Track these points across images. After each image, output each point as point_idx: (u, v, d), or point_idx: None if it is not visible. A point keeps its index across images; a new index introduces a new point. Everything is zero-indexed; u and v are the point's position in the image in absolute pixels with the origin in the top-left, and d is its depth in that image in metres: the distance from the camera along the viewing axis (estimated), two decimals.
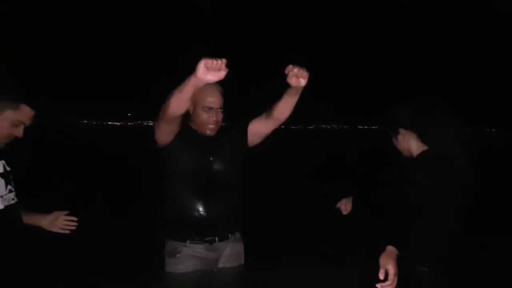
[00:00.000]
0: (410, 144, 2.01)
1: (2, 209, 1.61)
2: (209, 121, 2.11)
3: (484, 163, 1.97)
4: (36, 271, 1.79)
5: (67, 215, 1.95)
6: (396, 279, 1.65)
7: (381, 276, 1.65)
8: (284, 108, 2.12)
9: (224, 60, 1.68)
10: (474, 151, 1.90)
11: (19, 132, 1.66)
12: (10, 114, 1.61)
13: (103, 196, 7.66)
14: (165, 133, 2.04)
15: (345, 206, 2.37)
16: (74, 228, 1.95)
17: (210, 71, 1.67)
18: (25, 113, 1.65)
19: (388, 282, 1.63)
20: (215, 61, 1.66)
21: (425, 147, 1.96)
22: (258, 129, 2.23)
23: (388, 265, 1.65)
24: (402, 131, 2.02)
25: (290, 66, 1.88)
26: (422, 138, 1.96)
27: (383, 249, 1.74)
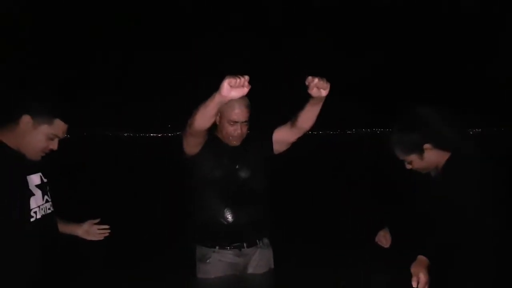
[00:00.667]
0: (436, 156, 1.85)
1: (39, 218, 1.68)
2: (233, 134, 2.15)
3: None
4: (69, 276, 1.85)
5: (98, 223, 2.04)
6: (427, 287, 1.65)
7: (414, 284, 1.65)
8: (307, 118, 2.12)
9: (247, 77, 1.71)
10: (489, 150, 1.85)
11: (54, 145, 1.72)
12: (45, 129, 1.66)
13: (135, 204, 7.81)
14: (192, 145, 2.10)
15: (384, 239, 2.18)
16: (107, 234, 2.04)
17: (233, 88, 1.72)
18: (59, 127, 1.69)
19: None
20: (238, 79, 1.69)
21: (447, 154, 1.84)
22: (283, 137, 2.25)
23: (420, 273, 1.65)
24: (427, 146, 1.83)
25: (310, 78, 1.86)
26: (442, 145, 1.83)
27: (413, 258, 1.72)
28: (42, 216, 1.70)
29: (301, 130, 2.19)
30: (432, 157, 1.85)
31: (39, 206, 1.69)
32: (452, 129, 1.82)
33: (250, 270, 2.23)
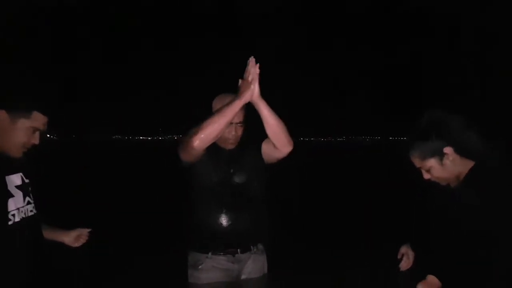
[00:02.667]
0: (458, 164, 1.69)
1: (18, 221, 1.60)
2: (228, 136, 2.10)
3: None
4: (54, 283, 1.79)
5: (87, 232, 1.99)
6: None
7: None
8: (269, 132, 2.05)
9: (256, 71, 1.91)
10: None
11: (36, 139, 1.65)
12: (23, 123, 1.59)
13: (127, 208, 7.75)
14: (194, 157, 2.04)
15: (406, 257, 2.04)
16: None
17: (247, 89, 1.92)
18: (39, 119, 1.63)
19: None
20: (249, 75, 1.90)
21: (471, 163, 1.70)
22: (268, 151, 2.18)
23: None
24: (448, 150, 1.67)
25: (252, 60, 1.93)
26: (464, 152, 1.68)
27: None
28: (22, 218, 1.62)
29: (279, 151, 2.11)
30: (453, 164, 1.69)
31: (18, 209, 1.61)
32: (475, 136, 1.67)
33: (243, 276, 2.19)
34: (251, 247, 2.19)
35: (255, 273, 2.21)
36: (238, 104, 1.94)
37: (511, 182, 1.60)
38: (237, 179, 2.14)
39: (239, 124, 2.13)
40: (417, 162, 1.73)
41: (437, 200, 1.84)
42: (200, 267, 2.11)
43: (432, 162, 1.69)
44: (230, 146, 2.17)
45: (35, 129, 1.63)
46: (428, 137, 1.69)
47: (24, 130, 1.60)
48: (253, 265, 2.20)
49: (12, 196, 1.59)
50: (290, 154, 2.11)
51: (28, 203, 1.67)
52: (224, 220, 2.09)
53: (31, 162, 1.75)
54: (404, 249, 2.06)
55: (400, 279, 2.07)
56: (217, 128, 1.94)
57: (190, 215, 2.16)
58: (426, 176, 1.74)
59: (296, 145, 2.12)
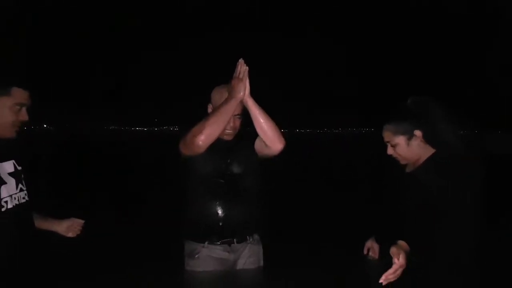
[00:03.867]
0: (421, 148, 1.85)
1: (10, 208, 1.60)
2: (226, 127, 2.11)
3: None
4: (44, 273, 1.78)
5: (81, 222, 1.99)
6: (400, 270, 1.59)
7: (395, 261, 1.59)
8: (258, 130, 2.08)
9: (244, 68, 2.00)
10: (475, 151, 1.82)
11: (24, 115, 1.64)
12: (6, 101, 1.58)
13: (121, 197, 7.76)
14: (197, 153, 2.06)
15: (372, 250, 2.17)
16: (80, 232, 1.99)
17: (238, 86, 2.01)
18: (20, 95, 1.61)
19: (390, 271, 1.57)
20: (239, 73, 2.00)
21: (432, 150, 1.85)
22: (260, 148, 2.20)
23: (400, 255, 1.59)
24: (418, 133, 1.83)
25: (242, 61, 2.02)
26: (431, 139, 1.83)
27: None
28: (15, 205, 1.62)
29: (269, 148, 2.12)
30: (417, 147, 1.85)
31: (11, 195, 1.61)
32: (447, 127, 1.81)
33: (239, 266, 2.21)
34: (247, 237, 2.20)
35: (251, 264, 2.22)
36: (234, 102, 2.02)
37: (465, 174, 1.73)
38: (234, 169, 2.16)
39: (237, 116, 2.15)
40: (387, 135, 1.88)
41: (394, 183, 1.98)
42: (196, 256, 2.13)
43: (400, 140, 1.84)
44: (228, 137, 2.18)
45: (20, 105, 1.61)
46: (405, 117, 1.84)
47: (8, 109, 1.59)
48: (249, 255, 2.22)
49: (5, 183, 1.59)
50: (282, 152, 2.12)
51: (21, 190, 1.67)
52: (220, 210, 2.10)
53: (24, 149, 1.74)
54: (369, 243, 2.19)
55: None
56: (220, 126, 2.01)
57: (186, 204, 2.18)
58: (390, 151, 1.89)
59: (292, 137, 2.11)
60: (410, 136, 1.83)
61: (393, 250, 1.63)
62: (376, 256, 2.16)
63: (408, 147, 1.85)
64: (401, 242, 1.67)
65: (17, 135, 1.65)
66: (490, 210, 1.80)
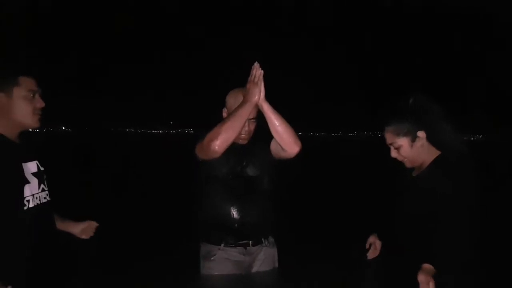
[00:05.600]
0: (425, 150, 1.81)
1: (32, 207, 1.63)
2: (241, 131, 2.10)
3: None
4: (63, 270, 1.81)
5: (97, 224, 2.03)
6: None
7: None
8: (273, 132, 2.07)
9: (259, 72, 1.99)
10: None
11: (39, 102, 1.68)
12: (18, 91, 1.62)
13: (141, 200, 7.80)
14: (210, 157, 2.05)
15: (373, 247, 2.16)
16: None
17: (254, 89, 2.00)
18: (28, 82, 1.65)
19: None
20: (253, 77, 1.99)
21: (437, 152, 1.80)
22: (276, 151, 2.19)
23: (430, 283, 1.60)
24: (421, 134, 1.78)
25: (257, 65, 2.01)
26: (435, 141, 1.79)
27: (415, 264, 1.67)
28: (36, 205, 1.65)
29: (284, 151, 2.11)
30: (421, 149, 1.80)
31: (33, 195, 1.65)
32: (450, 129, 1.77)
33: (254, 269, 2.20)
34: (263, 240, 2.20)
35: (266, 266, 2.22)
36: (249, 106, 2.01)
37: (469, 176, 1.70)
38: (249, 172, 2.17)
39: (252, 120, 2.15)
40: (389, 137, 1.83)
41: (402, 187, 1.93)
42: (212, 258, 2.14)
43: (403, 141, 1.79)
44: (243, 142, 2.19)
45: (32, 92, 1.65)
46: (407, 117, 1.78)
47: (23, 98, 1.63)
48: (264, 258, 2.21)
49: (28, 182, 1.63)
50: (298, 155, 2.11)
51: (43, 190, 1.71)
52: (236, 212, 2.11)
53: (46, 151, 1.78)
54: (372, 239, 2.16)
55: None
56: (235, 131, 2.00)
57: (202, 207, 2.19)
58: (394, 153, 1.84)
59: (305, 140, 2.13)
60: (414, 137, 1.79)
61: (421, 278, 1.61)
62: (377, 253, 2.14)
63: (412, 149, 1.79)
64: (427, 266, 1.64)
65: (40, 126, 1.69)
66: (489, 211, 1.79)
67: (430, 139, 1.79)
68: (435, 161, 1.80)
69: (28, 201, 1.61)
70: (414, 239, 1.78)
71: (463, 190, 1.67)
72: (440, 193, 1.70)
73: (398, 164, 1.88)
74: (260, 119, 2.16)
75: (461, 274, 1.70)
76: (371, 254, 2.16)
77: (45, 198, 1.71)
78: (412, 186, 1.87)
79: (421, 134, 1.78)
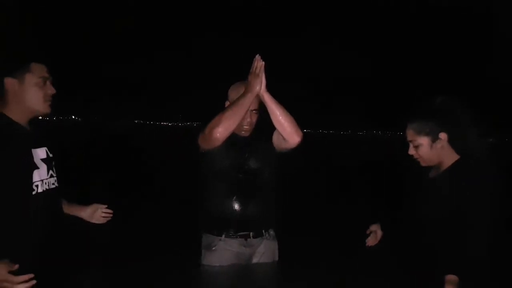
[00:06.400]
0: (445, 152, 1.78)
1: (41, 192, 1.66)
2: (243, 123, 2.15)
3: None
4: (70, 258, 1.85)
5: (105, 208, 2.04)
6: None
7: None
8: (275, 123, 2.11)
9: (261, 64, 2.03)
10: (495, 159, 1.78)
11: (50, 88, 1.70)
12: (30, 78, 1.64)
13: (142, 190, 7.84)
14: (214, 146, 2.11)
15: (375, 234, 2.17)
16: (109, 219, 2.04)
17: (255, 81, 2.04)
18: (39, 69, 1.67)
19: None
20: (255, 68, 2.04)
21: (456, 156, 1.78)
22: (278, 142, 2.22)
23: None
24: (443, 135, 1.76)
25: (258, 57, 2.06)
26: (457, 144, 1.76)
27: (438, 275, 1.65)
28: (45, 190, 1.68)
29: (286, 142, 2.14)
30: (441, 151, 1.77)
31: (42, 180, 1.68)
32: (475, 132, 1.74)
33: (255, 260, 2.24)
34: (263, 232, 2.23)
35: (266, 258, 2.25)
36: (251, 96, 2.06)
37: (489, 183, 1.67)
38: (252, 164, 2.19)
39: (253, 111, 2.18)
40: (410, 134, 1.80)
41: (417, 187, 1.92)
42: (213, 248, 2.17)
43: (424, 140, 1.77)
44: (245, 133, 2.21)
45: (43, 79, 1.68)
46: (432, 117, 1.76)
47: (35, 84, 1.65)
48: (265, 250, 2.25)
49: (37, 168, 1.66)
50: (300, 145, 2.14)
51: (51, 176, 1.74)
52: (237, 204, 2.14)
53: (55, 137, 1.81)
54: (374, 227, 2.18)
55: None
56: (237, 119, 2.05)
57: (204, 198, 2.22)
58: (411, 151, 1.82)
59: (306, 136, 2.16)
60: (435, 138, 1.76)
61: None
62: (376, 241, 2.17)
63: (431, 149, 1.77)
64: (451, 277, 1.61)
65: (50, 113, 1.72)
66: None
67: (452, 142, 1.76)
68: (454, 165, 1.77)
69: (37, 186, 1.64)
70: (429, 241, 1.77)
71: (482, 195, 1.65)
72: (458, 197, 1.68)
73: (409, 163, 1.87)
74: (262, 112, 2.19)
75: (483, 281, 1.66)
76: (371, 241, 2.18)
77: (53, 184, 1.74)
78: (428, 188, 1.85)
79: (443, 136, 1.75)
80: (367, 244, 2.19)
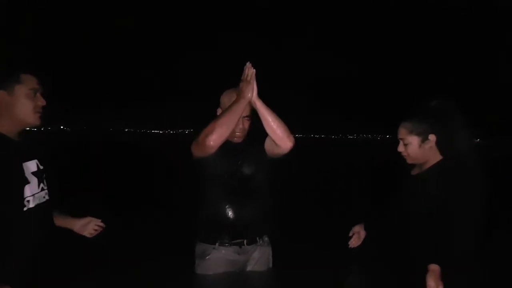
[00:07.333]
0: (431, 153, 1.87)
1: (32, 208, 1.62)
2: (235, 129, 2.15)
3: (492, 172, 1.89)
4: (63, 270, 1.81)
5: (98, 222, 2.00)
6: None
7: None
8: (267, 128, 2.12)
9: (252, 71, 2.04)
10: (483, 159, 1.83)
11: (40, 100, 1.67)
12: (20, 90, 1.61)
13: (135, 199, 7.80)
14: (208, 153, 2.10)
15: (358, 235, 2.24)
16: (99, 232, 2.00)
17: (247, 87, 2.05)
18: (30, 80, 1.64)
19: None
20: (246, 75, 2.05)
21: (439, 157, 1.87)
22: (270, 147, 2.23)
23: (439, 286, 1.65)
24: (432, 137, 1.85)
25: (249, 65, 2.07)
26: (444, 147, 1.85)
27: (421, 265, 1.70)
28: (36, 205, 1.65)
29: (278, 147, 2.15)
30: (428, 151, 1.86)
31: (33, 195, 1.64)
32: (464, 137, 1.81)
33: (249, 268, 2.23)
34: (257, 239, 2.23)
35: (260, 265, 2.24)
36: (243, 103, 2.07)
37: (469, 184, 1.74)
38: (245, 170, 2.19)
39: (246, 118, 2.19)
40: (402, 132, 1.90)
41: (400, 185, 2.00)
42: (207, 257, 2.16)
43: (414, 139, 1.86)
44: (237, 140, 2.21)
45: (33, 90, 1.64)
46: (425, 119, 1.86)
47: (25, 96, 1.62)
48: (259, 257, 2.23)
49: (28, 182, 1.62)
50: (292, 150, 2.16)
51: (42, 189, 1.70)
52: (231, 211, 2.13)
53: (45, 148, 1.78)
54: (357, 228, 2.25)
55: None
56: (230, 126, 2.06)
57: (198, 206, 2.21)
58: (401, 148, 1.92)
59: (299, 141, 2.17)
60: (424, 139, 1.85)
61: (430, 283, 1.65)
62: (359, 242, 2.23)
63: (419, 149, 1.87)
64: (433, 267, 1.67)
65: (40, 125, 1.68)
66: (493, 216, 1.82)
67: (441, 144, 1.85)
68: (437, 165, 1.86)
69: (28, 201, 1.60)
70: (411, 235, 1.84)
71: (462, 195, 1.72)
72: (437, 195, 1.76)
73: (395, 164, 1.96)
74: (254, 119, 2.20)
75: (464, 269, 1.73)
76: (354, 242, 2.24)
77: (44, 197, 1.71)
78: (411, 185, 1.94)
79: (432, 137, 1.84)
80: (350, 246, 2.25)
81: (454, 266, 1.70)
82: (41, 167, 1.72)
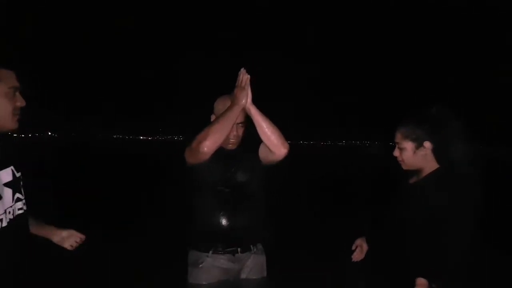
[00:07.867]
0: (427, 159, 1.84)
1: (5, 227, 1.43)
2: (229, 136, 2.13)
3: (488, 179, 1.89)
4: (46, 283, 1.69)
5: (81, 235, 1.86)
6: None
7: None
8: (261, 135, 2.10)
9: (246, 77, 2.03)
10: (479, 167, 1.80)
11: (20, 100, 1.48)
12: (0, 88, 1.42)
13: (126, 206, 7.72)
14: (202, 160, 2.07)
15: (360, 249, 2.21)
16: (78, 245, 1.87)
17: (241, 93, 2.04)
18: (9, 76, 1.45)
19: None
20: (240, 81, 2.04)
21: (435, 166, 1.85)
22: (264, 154, 2.20)
23: None
24: (428, 144, 1.82)
25: (243, 71, 2.05)
26: (440, 155, 1.82)
27: (409, 278, 1.69)
28: (9, 220, 1.46)
29: (273, 154, 2.13)
30: (423, 158, 1.84)
31: (5, 210, 1.44)
32: (460, 145, 1.78)
33: (243, 276, 2.19)
34: (251, 247, 2.19)
35: (254, 273, 2.21)
36: (237, 109, 2.06)
37: (464, 194, 1.72)
38: (239, 177, 2.16)
39: (240, 124, 2.16)
40: (398, 137, 1.88)
41: (397, 193, 1.98)
42: (200, 265, 2.12)
43: (408, 145, 1.84)
44: (231, 147, 2.19)
45: (13, 89, 1.46)
46: (421, 125, 1.82)
47: (5, 96, 1.43)
48: (253, 265, 2.20)
49: (0, 198, 1.43)
50: (286, 157, 2.13)
51: (18, 200, 1.52)
52: (225, 219, 2.09)
53: (23, 153, 1.58)
54: (359, 241, 2.22)
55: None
56: (224, 132, 2.04)
57: (191, 213, 2.17)
58: (396, 153, 1.90)
59: (295, 148, 2.15)
60: (419, 145, 1.82)
61: None
62: (362, 256, 2.19)
63: (413, 155, 1.83)
64: (420, 281, 1.67)
65: (18, 127, 1.49)
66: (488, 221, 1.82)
67: (436, 152, 1.82)
68: (432, 174, 1.83)
69: (1, 220, 1.41)
70: (407, 245, 1.81)
71: (457, 204, 1.69)
72: (432, 205, 1.73)
73: (392, 171, 1.94)
74: (248, 125, 2.17)
75: (451, 285, 1.71)
76: (357, 256, 2.21)
77: (20, 209, 1.52)
78: (407, 193, 1.90)
79: (427, 144, 1.81)
80: (353, 260, 2.22)
81: (447, 278, 1.68)
82: (18, 175, 1.52)
